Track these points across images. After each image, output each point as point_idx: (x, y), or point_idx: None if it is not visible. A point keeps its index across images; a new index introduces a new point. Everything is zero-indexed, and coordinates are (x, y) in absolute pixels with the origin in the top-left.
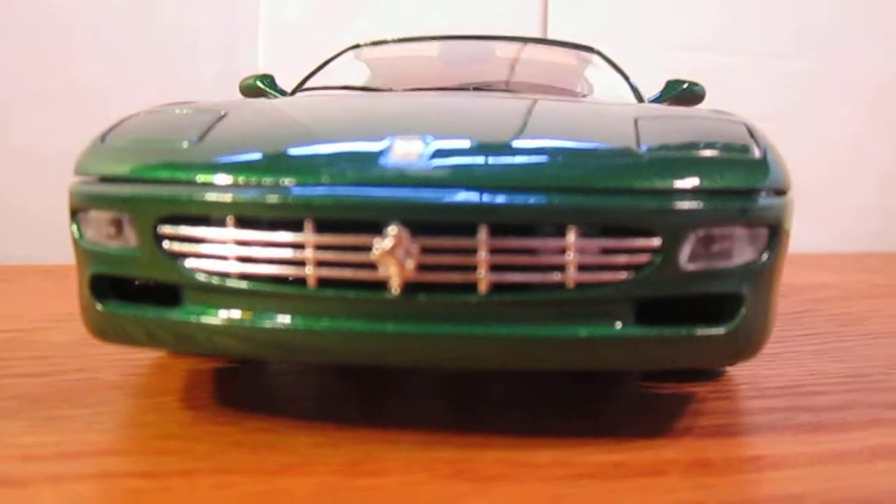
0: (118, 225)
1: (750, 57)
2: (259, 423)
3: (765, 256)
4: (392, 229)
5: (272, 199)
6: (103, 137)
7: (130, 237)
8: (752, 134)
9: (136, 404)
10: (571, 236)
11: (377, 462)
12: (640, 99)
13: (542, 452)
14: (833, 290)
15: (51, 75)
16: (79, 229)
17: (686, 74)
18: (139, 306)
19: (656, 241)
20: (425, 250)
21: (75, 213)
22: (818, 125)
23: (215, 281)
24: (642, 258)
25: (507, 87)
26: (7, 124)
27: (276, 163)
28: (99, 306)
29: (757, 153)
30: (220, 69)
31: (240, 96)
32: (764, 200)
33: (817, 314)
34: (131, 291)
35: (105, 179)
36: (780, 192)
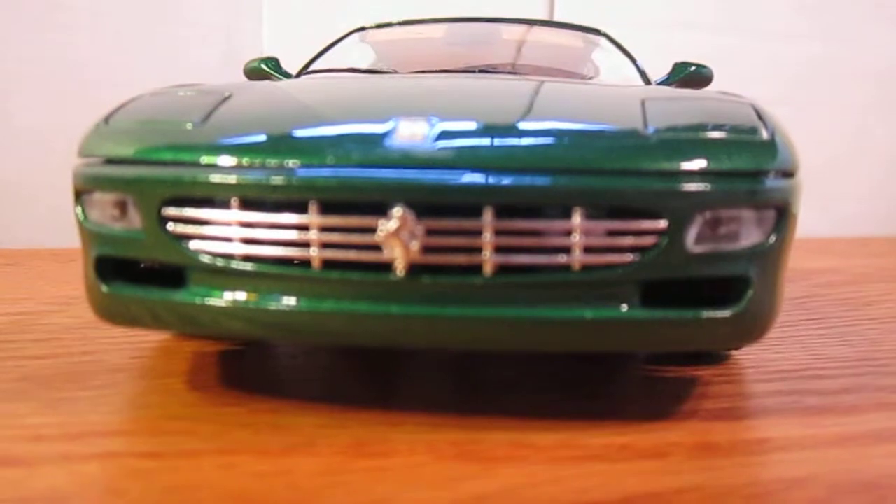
0: (122, 207)
1: (757, 40)
2: (264, 405)
3: (772, 239)
4: (397, 211)
5: (276, 180)
6: (107, 119)
7: (135, 219)
8: (759, 115)
9: (142, 386)
10: (577, 218)
11: (382, 443)
12: (647, 81)
13: (546, 434)
14: (840, 275)
15: (54, 60)
16: (83, 211)
17: (694, 57)
18: (144, 288)
19: (663, 223)
20: (430, 232)
21: (79, 195)
22: (825, 109)
23: (220, 263)
24: (648, 240)
25: (512, 70)
26: (11, 109)
27: (281, 144)
28: (104, 288)
29: (765, 135)
30: (224, 52)
31: (244, 79)
32: (771, 182)
33: (824, 298)
34: (136, 273)
35: (109, 161)
36: (788, 173)
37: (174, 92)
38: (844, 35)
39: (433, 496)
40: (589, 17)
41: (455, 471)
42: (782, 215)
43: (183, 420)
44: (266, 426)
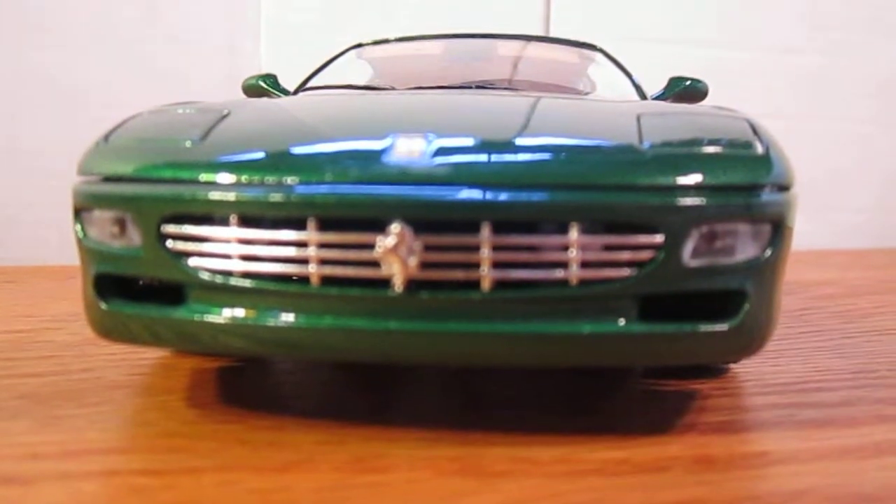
0: (122, 224)
1: (754, 53)
2: (263, 421)
3: (768, 252)
4: (395, 227)
5: (275, 197)
6: (107, 137)
7: (134, 236)
8: (754, 130)
9: (141, 403)
10: (574, 233)
11: (381, 459)
12: (643, 96)
13: (545, 449)
14: (837, 287)
15: (57, 81)
16: (83, 229)
17: (690, 71)
18: (143, 305)
19: (659, 238)
20: (428, 248)
21: (79, 213)
22: (823, 122)
23: (219, 279)
24: (645, 255)
25: (509, 86)
26: (13, 128)
27: (279, 161)
28: (103, 305)
29: (759, 149)
30: (222, 70)
31: (243, 96)
32: (767, 196)
33: (821, 311)
34: (135, 291)
35: (108, 179)
36: (783, 187)
37: (173, 110)
38: (843, 47)
39: None
40: (585, 33)
41: (455, 486)
42: (778, 229)
43: (182, 437)
44: (265, 443)
